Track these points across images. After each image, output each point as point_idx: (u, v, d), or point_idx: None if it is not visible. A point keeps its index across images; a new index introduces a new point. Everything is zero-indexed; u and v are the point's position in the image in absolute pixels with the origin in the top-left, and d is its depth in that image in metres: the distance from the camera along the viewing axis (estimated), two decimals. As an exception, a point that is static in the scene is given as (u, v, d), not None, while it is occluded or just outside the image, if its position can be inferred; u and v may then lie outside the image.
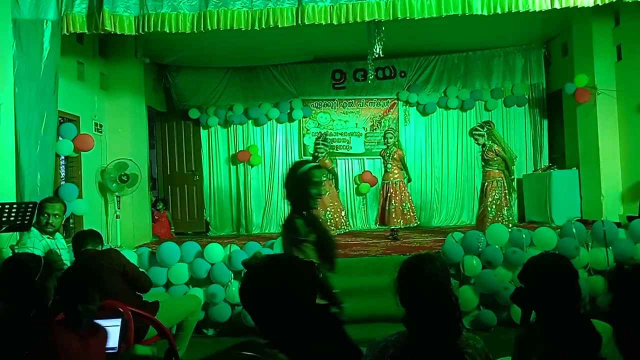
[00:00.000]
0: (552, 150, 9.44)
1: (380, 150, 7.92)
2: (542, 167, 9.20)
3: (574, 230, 5.28)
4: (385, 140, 7.44)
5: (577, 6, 5.41)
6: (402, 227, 7.28)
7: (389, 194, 7.28)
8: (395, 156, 7.36)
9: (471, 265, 5.15)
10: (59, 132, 6.11)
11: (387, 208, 7.28)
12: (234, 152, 9.66)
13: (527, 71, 9.44)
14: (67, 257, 4.29)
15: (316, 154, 7.36)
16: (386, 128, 8.39)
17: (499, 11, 5.30)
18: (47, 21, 5.23)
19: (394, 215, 7.20)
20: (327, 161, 7.41)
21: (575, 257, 4.94)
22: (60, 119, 6.08)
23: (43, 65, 5.20)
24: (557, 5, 5.31)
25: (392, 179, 7.33)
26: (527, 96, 9.46)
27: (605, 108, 7.70)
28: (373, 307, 4.71)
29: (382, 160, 7.67)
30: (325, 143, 7.52)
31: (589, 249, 5.27)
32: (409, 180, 7.62)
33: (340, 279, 5.11)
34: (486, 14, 5.32)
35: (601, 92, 7.68)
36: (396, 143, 7.54)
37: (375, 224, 7.62)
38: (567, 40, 8.56)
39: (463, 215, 9.40)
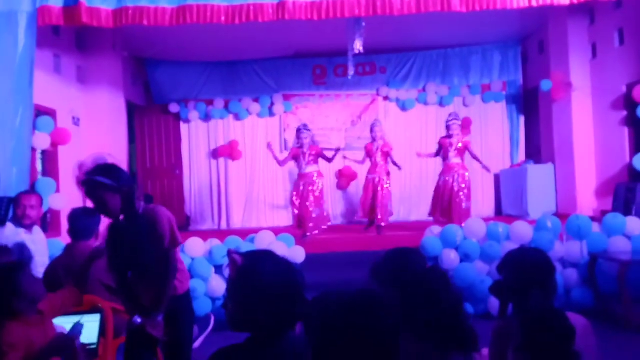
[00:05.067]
0: (528, 146, 9.60)
1: (364, 143, 7.69)
2: (519, 162, 9.35)
3: (549, 224, 5.40)
4: (374, 134, 7.27)
5: (553, 4, 5.51)
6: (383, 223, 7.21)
7: (376, 189, 7.18)
8: (384, 149, 7.25)
9: (449, 258, 5.23)
10: (35, 126, 6.00)
11: (372, 203, 7.20)
12: (214, 147, 9.61)
13: (504, 68, 9.57)
14: (44, 251, 4.22)
15: (301, 142, 7.08)
16: (373, 121, 8.01)
17: (477, 8, 5.36)
18: (21, 12, 5.11)
19: (378, 210, 7.15)
20: (313, 152, 7.14)
21: (550, 250, 5.06)
22: (36, 112, 5.97)
23: (18, 57, 5.08)
24: (534, 4, 5.40)
25: (378, 172, 7.24)
26: (504, 93, 9.60)
27: (580, 105, 7.87)
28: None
29: (365, 153, 7.47)
30: (308, 129, 7.29)
31: (564, 242, 5.40)
32: (400, 169, 7.49)
33: (318, 273, 5.16)
34: (465, 11, 5.38)
35: (576, 89, 7.85)
36: (383, 136, 7.42)
37: (366, 217, 7.40)
38: (544, 37, 8.71)
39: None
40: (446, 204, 6.93)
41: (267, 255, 1.64)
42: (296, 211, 6.95)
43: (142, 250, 2.71)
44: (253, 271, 1.57)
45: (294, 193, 7.05)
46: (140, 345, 2.80)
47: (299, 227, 6.91)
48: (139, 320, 2.71)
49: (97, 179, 2.69)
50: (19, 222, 4.06)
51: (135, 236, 2.71)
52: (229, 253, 1.61)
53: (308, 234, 6.81)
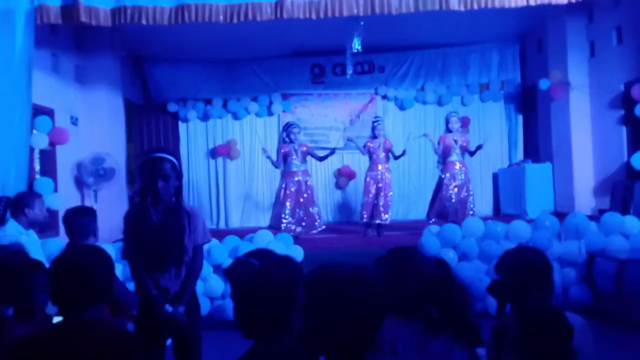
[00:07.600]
0: (526, 145, 9.61)
1: (365, 140, 7.40)
2: (517, 161, 9.36)
3: (547, 223, 5.41)
4: (377, 131, 7.10)
5: (551, 3, 5.52)
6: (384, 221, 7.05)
7: (379, 187, 7.01)
8: (386, 146, 7.13)
9: (447, 257, 5.24)
10: (33, 125, 5.99)
11: (376, 202, 7.00)
12: (213, 146, 9.61)
13: (502, 67, 9.58)
14: (39, 252, 4.21)
15: (294, 136, 6.84)
16: (374, 117, 7.86)
17: (475, 7, 5.36)
18: (19, 11, 5.09)
19: (382, 209, 6.97)
20: (304, 148, 7.03)
21: (547, 249, 5.07)
22: (34, 111, 5.96)
23: (16, 56, 5.06)
24: (532, 2, 5.41)
25: (380, 170, 7.08)
26: (502, 91, 9.61)
27: (578, 103, 7.88)
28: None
29: (367, 151, 7.18)
30: (298, 128, 7.12)
31: (562, 241, 5.41)
32: (396, 158, 7.22)
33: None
34: (463, 10, 5.38)
35: (574, 87, 7.86)
36: (384, 133, 7.29)
37: (362, 219, 7.15)
38: (542, 36, 8.71)
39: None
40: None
41: (270, 254, 1.64)
42: (285, 211, 6.62)
43: (174, 240, 2.77)
44: (269, 271, 1.56)
45: (283, 192, 6.70)
46: (157, 337, 2.78)
47: (273, 227, 6.56)
48: (170, 309, 2.74)
49: (168, 157, 2.79)
50: (30, 224, 4.06)
51: (171, 224, 2.77)
52: (239, 259, 1.62)
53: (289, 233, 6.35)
